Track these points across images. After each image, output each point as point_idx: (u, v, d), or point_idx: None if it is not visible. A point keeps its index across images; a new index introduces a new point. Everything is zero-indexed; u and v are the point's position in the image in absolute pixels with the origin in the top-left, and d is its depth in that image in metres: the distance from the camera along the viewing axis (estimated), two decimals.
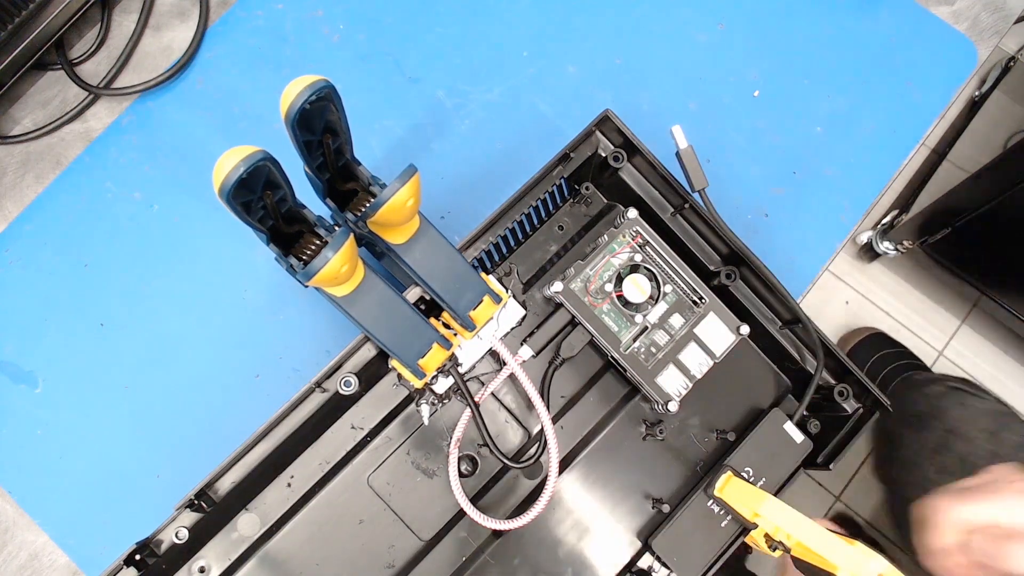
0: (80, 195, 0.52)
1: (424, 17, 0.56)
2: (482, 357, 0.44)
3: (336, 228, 0.36)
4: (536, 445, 0.43)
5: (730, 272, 0.44)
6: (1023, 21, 0.67)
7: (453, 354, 0.42)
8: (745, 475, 0.41)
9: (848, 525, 1.24)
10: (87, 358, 0.49)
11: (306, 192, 0.37)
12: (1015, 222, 0.52)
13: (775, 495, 0.40)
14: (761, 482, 0.41)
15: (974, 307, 1.28)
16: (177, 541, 0.39)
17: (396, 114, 0.54)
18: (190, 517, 0.39)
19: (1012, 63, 1.19)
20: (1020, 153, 0.94)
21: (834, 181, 0.53)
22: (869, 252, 1.30)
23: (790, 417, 0.43)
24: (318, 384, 0.40)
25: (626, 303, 0.43)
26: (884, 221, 1.25)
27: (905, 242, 1.19)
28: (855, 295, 1.32)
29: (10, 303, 0.50)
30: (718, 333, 0.43)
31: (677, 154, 0.47)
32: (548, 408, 0.42)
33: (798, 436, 0.42)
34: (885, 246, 1.26)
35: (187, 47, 0.54)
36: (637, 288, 0.43)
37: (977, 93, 1.23)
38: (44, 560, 0.47)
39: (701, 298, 0.44)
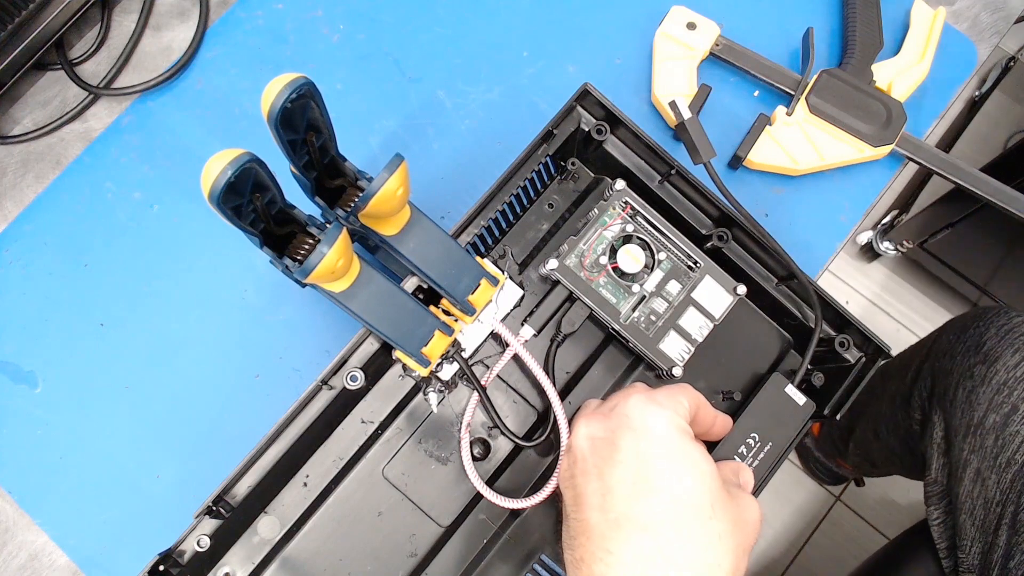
0: (80, 195, 0.52)
1: (424, 17, 0.56)
2: (484, 340, 0.44)
3: (327, 225, 0.36)
4: (546, 423, 0.43)
5: (722, 234, 0.45)
6: (1023, 21, 0.67)
7: (456, 340, 0.42)
8: (751, 441, 0.41)
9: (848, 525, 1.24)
10: (87, 358, 0.49)
11: (295, 192, 0.37)
12: (1014, 221, 0.52)
13: (783, 455, 0.41)
14: (768, 446, 0.41)
15: (974, 307, 1.28)
16: (199, 549, 0.39)
17: (396, 114, 0.54)
18: (210, 524, 0.39)
19: (1012, 63, 1.19)
20: (1020, 153, 0.94)
21: (834, 181, 0.53)
22: (869, 252, 1.30)
23: (794, 373, 0.43)
24: (324, 381, 0.40)
25: (622, 274, 0.43)
26: (884, 221, 1.26)
27: (905, 242, 1.19)
28: (855, 295, 1.32)
29: (10, 303, 0.50)
30: (716, 295, 0.44)
31: (679, 126, 0.47)
32: (554, 385, 0.42)
33: (800, 399, 0.42)
34: (885, 246, 1.26)
35: (187, 47, 0.54)
36: (631, 258, 0.43)
37: (977, 93, 1.23)
38: (44, 560, 0.47)
39: (696, 262, 0.44)
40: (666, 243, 0.44)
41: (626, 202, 0.44)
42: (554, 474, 0.41)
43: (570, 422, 0.39)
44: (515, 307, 0.45)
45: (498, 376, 0.44)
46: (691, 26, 0.53)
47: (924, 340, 0.69)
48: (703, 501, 0.33)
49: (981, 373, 0.55)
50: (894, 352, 0.44)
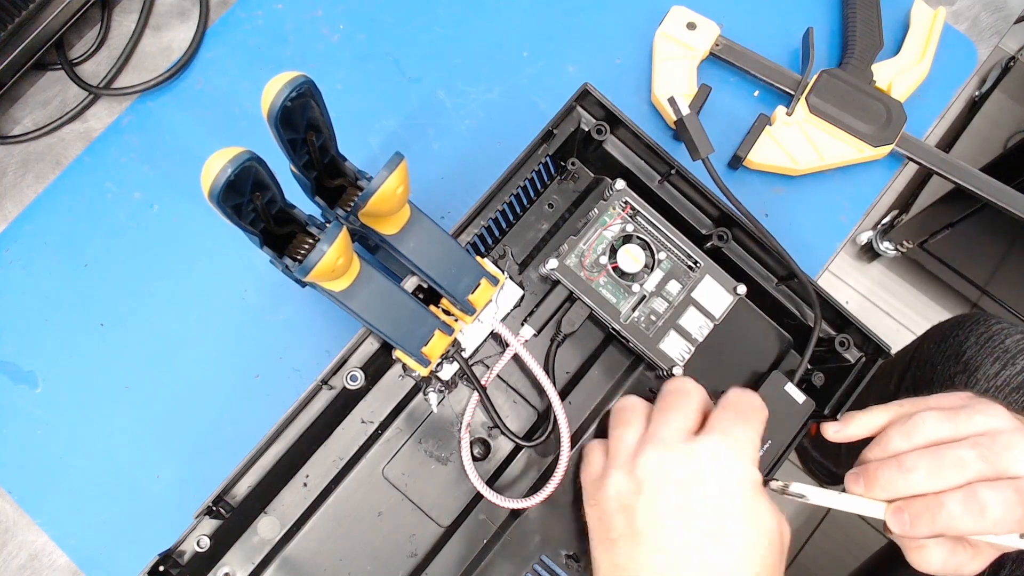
0: (80, 195, 0.52)
1: (424, 17, 0.56)
2: (485, 340, 0.44)
3: (327, 225, 0.36)
4: (546, 423, 0.43)
5: (722, 234, 0.45)
6: (1023, 21, 0.67)
7: (456, 339, 0.42)
8: None
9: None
10: (87, 358, 0.49)
11: (295, 192, 0.37)
12: (1014, 221, 0.53)
13: (782, 455, 0.41)
14: (767, 445, 0.41)
15: (974, 307, 1.28)
16: (199, 549, 0.39)
17: (396, 114, 0.54)
18: (210, 525, 0.39)
19: (1012, 63, 1.19)
20: (1020, 153, 0.94)
21: (834, 181, 0.53)
22: (869, 252, 1.30)
23: (793, 372, 0.43)
24: (324, 381, 0.40)
25: (622, 274, 0.43)
26: (884, 221, 1.26)
27: (905, 242, 1.19)
28: (855, 295, 1.32)
29: (10, 303, 0.50)
30: (716, 295, 0.44)
31: (678, 122, 0.47)
32: (555, 385, 0.42)
33: (799, 397, 0.42)
34: (885, 246, 1.26)
35: (187, 47, 0.54)
36: (631, 258, 0.43)
37: (977, 93, 1.24)
38: (44, 560, 0.47)
39: (696, 262, 0.44)
40: (666, 243, 0.44)
41: (626, 202, 0.44)
42: (560, 470, 0.40)
43: (599, 430, 0.39)
44: (515, 307, 0.45)
45: (498, 376, 0.44)
46: (691, 26, 0.53)
47: (907, 347, 0.69)
48: (767, 558, 0.34)
49: (962, 383, 0.55)
50: (893, 352, 0.44)
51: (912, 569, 0.47)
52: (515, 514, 0.44)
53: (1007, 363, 0.54)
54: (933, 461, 0.35)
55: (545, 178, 0.46)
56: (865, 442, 0.40)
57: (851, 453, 0.88)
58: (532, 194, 0.46)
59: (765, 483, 0.38)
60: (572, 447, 0.42)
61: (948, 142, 1.21)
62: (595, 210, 0.44)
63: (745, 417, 0.37)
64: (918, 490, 0.36)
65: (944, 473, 0.35)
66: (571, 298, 0.44)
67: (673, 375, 0.43)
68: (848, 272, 1.33)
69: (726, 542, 0.33)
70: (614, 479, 0.37)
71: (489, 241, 0.45)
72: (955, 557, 0.37)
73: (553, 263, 0.43)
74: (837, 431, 0.41)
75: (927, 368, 0.60)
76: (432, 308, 0.40)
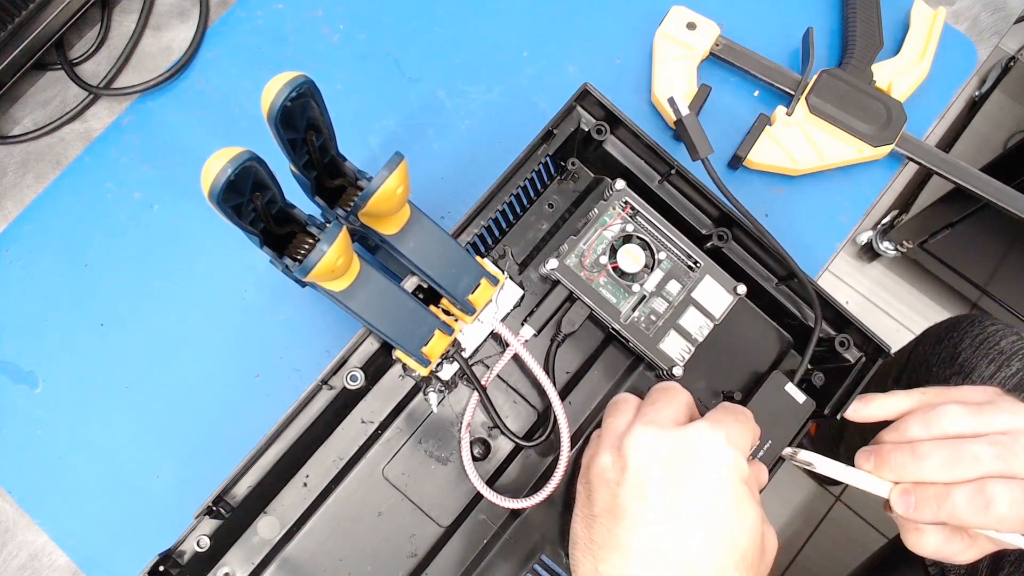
0: (80, 195, 0.52)
1: (424, 16, 0.56)
2: (485, 340, 0.44)
3: (327, 225, 0.37)
4: (546, 423, 0.43)
5: (722, 233, 0.45)
6: (1023, 21, 0.67)
7: (456, 339, 0.42)
8: None
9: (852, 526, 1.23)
10: (87, 358, 0.49)
11: (295, 192, 0.37)
12: (1014, 221, 0.53)
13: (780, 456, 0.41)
14: (768, 444, 0.41)
15: (974, 307, 1.28)
16: (199, 550, 0.39)
17: (396, 114, 0.54)
18: (210, 525, 0.39)
19: (1012, 63, 1.19)
20: (1020, 153, 0.94)
21: (834, 181, 0.53)
22: (869, 252, 1.30)
23: (793, 372, 0.43)
24: (324, 381, 0.40)
25: (622, 274, 0.43)
26: (884, 221, 1.26)
27: (905, 242, 1.20)
28: (855, 295, 1.32)
29: (10, 303, 0.50)
30: (716, 295, 0.44)
31: (678, 122, 0.47)
32: (554, 385, 0.42)
33: (800, 397, 0.42)
34: (885, 246, 1.26)
35: (187, 47, 0.54)
36: (631, 258, 0.43)
37: (977, 93, 1.24)
38: (44, 560, 0.47)
39: (696, 262, 0.44)
40: (666, 243, 0.44)
41: (626, 202, 0.44)
42: (560, 470, 0.40)
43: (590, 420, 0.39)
44: (515, 307, 0.45)
45: (498, 376, 0.44)
46: (691, 26, 0.53)
47: (903, 349, 0.69)
48: (745, 554, 0.33)
49: (957, 384, 0.55)
50: (893, 352, 0.44)
51: (911, 570, 0.47)
52: (515, 514, 0.44)
53: (1002, 364, 0.54)
54: (949, 453, 0.35)
55: (545, 178, 0.46)
56: (876, 428, 0.40)
57: (846, 455, 0.88)
58: (532, 194, 0.46)
59: (780, 458, 0.38)
60: (572, 447, 0.42)
61: (948, 142, 1.21)
62: (595, 210, 0.44)
63: (735, 414, 0.36)
64: (928, 478, 0.35)
65: (957, 466, 0.35)
66: (571, 298, 0.44)
67: (673, 375, 0.43)
68: (848, 272, 1.33)
69: (708, 528, 0.33)
70: (601, 457, 0.36)
71: (489, 241, 0.45)
72: (950, 545, 0.37)
73: (553, 263, 0.43)
74: (856, 410, 0.40)
75: (922, 370, 0.61)
76: (432, 308, 0.40)
